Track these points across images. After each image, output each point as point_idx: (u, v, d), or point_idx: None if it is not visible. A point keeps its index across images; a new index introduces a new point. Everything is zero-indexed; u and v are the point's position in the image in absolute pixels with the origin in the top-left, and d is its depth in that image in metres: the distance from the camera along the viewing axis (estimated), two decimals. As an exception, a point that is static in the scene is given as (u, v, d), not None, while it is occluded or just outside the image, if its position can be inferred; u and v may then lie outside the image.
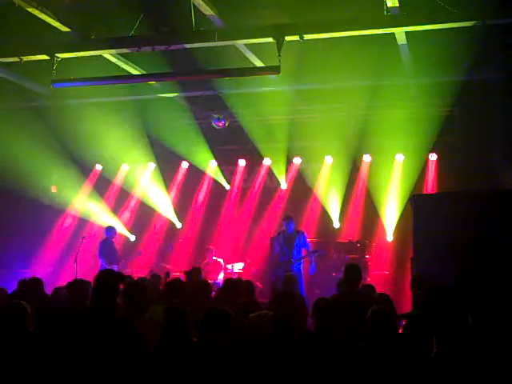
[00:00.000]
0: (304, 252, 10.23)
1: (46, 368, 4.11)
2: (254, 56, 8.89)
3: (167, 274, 8.76)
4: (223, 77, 9.27)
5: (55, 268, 12.10)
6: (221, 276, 11.03)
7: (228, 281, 6.77)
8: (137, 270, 11.58)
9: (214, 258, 11.40)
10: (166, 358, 3.77)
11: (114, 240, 11.35)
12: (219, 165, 13.14)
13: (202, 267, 11.00)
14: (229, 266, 11.40)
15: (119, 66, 9.44)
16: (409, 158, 11.62)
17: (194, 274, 7.87)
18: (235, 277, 10.63)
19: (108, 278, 4.44)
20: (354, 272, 6.13)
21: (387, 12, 7.27)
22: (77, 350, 4.04)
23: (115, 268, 10.90)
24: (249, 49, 8.62)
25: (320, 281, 10.56)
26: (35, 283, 6.41)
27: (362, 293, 6.24)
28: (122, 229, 13.15)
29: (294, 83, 10.21)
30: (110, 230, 11.41)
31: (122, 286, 4.58)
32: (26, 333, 4.25)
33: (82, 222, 12.92)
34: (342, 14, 7.56)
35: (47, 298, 6.25)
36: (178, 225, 13.24)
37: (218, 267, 11.26)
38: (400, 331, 4.94)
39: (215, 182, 13.22)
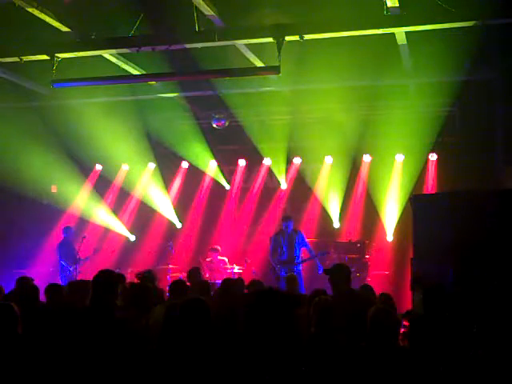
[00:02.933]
0: (304, 252, 10.25)
1: (43, 368, 4.11)
2: (254, 56, 8.90)
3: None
4: (223, 77, 9.27)
5: (55, 268, 12.09)
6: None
7: (227, 280, 6.74)
8: (136, 270, 11.56)
9: (219, 257, 11.39)
10: (166, 357, 3.76)
11: (72, 240, 11.30)
12: (219, 165, 13.14)
13: (205, 265, 11.00)
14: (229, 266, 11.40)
15: (119, 66, 9.45)
16: (409, 158, 11.62)
17: (194, 274, 7.86)
18: (235, 277, 10.64)
19: (107, 278, 4.44)
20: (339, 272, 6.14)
21: (387, 12, 7.28)
22: (76, 349, 4.03)
23: (72, 269, 10.82)
24: (249, 49, 8.63)
25: (320, 281, 10.56)
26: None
27: (356, 293, 6.27)
28: (122, 229, 13.16)
29: (293, 83, 10.21)
30: (67, 230, 11.39)
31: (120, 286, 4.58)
32: (16, 336, 4.24)
33: (82, 222, 12.91)
34: (342, 13, 7.57)
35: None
36: (178, 225, 13.25)
37: (222, 266, 11.23)
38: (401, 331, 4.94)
39: (215, 182, 13.22)
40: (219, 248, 11.46)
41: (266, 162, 12.77)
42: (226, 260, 11.37)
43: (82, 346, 4.02)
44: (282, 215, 11.12)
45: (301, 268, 10.19)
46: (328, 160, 12.27)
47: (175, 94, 11.33)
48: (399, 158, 11.78)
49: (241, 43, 8.33)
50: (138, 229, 13.12)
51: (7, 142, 11.59)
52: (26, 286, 6.32)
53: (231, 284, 6.37)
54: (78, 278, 9.66)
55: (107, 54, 8.95)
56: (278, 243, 10.27)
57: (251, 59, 8.97)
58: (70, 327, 4.24)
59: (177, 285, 6.35)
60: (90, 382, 3.90)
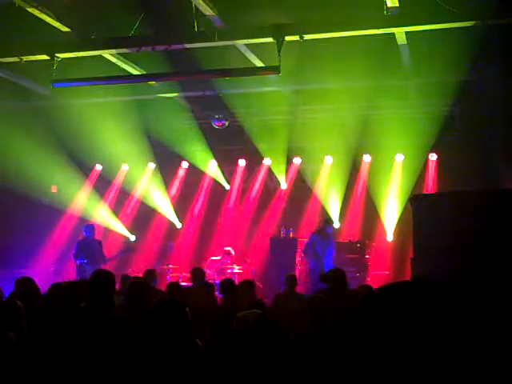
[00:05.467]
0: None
1: (41, 368, 4.11)
2: (254, 56, 8.89)
3: None
4: (223, 77, 9.27)
5: (56, 268, 12.09)
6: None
7: (225, 281, 6.76)
8: (137, 269, 11.57)
9: (213, 257, 11.40)
10: (164, 357, 3.77)
11: (93, 238, 10.65)
12: (219, 165, 13.15)
13: (205, 266, 11.01)
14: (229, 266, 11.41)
15: (119, 66, 9.45)
16: (409, 158, 11.63)
17: (197, 274, 7.86)
18: (235, 277, 10.66)
19: (104, 278, 4.43)
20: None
21: (387, 12, 7.27)
22: (73, 349, 4.03)
23: (90, 268, 10.46)
24: (249, 49, 8.62)
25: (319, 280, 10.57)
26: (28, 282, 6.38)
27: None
28: (122, 229, 13.16)
29: (294, 83, 10.21)
30: (89, 229, 10.70)
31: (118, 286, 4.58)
32: (20, 334, 4.24)
33: (82, 222, 12.90)
34: (342, 13, 7.56)
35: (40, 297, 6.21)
36: (178, 225, 13.25)
37: (214, 267, 11.26)
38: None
39: (215, 182, 13.23)
40: (232, 253, 11.44)
41: (266, 161, 12.78)
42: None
43: (78, 347, 4.02)
44: (327, 218, 11.27)
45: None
46: (328, 160, 12.28)
47: (175, 94, 11.33)
48: (399, 157, 11.79)
49: (241, 43, 8.32)
50: (138, 229, 13.12)
51: (7, 142, 11.58)
52: (25, 286, 6.32)
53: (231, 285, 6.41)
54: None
55: (107, 54, 8.94)
56: (315, 242, 10.43)
57: (251, 59, 8.96)
58: (66, 327, 4.24)
59: (171, 286, 6.40)
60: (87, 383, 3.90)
